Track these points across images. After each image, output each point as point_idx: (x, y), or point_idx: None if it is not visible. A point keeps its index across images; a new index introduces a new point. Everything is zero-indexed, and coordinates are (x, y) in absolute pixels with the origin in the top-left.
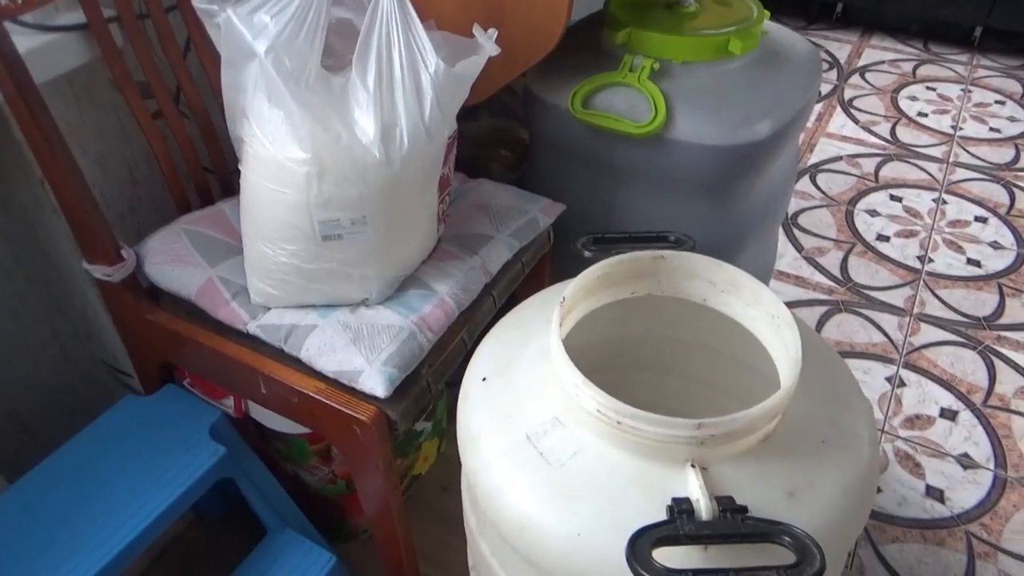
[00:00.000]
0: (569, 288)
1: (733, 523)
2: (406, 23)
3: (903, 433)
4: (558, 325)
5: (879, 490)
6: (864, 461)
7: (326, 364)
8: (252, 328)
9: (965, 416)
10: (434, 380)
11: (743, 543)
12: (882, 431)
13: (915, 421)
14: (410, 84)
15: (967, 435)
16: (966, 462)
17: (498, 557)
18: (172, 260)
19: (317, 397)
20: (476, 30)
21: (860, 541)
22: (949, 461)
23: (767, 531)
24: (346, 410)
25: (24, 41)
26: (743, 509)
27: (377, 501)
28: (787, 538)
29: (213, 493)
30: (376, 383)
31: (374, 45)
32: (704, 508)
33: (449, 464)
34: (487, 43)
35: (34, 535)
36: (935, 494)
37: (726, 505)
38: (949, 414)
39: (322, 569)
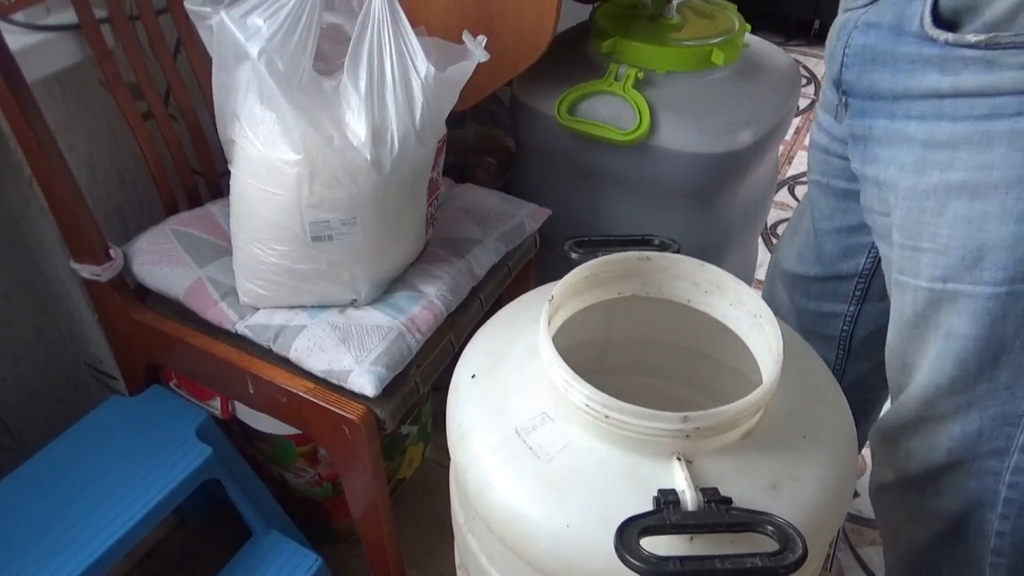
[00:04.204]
0: (557, 286)
1: (718, 513)
2: (397, 28)
3: None
4: (547, 322)
5: (856, 494)
6: (843, 456)
7: (315, 364)
8: (241, 328)
9: None
10: (422, 381)
11: (728, 532)
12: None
13: None
14: (401, 88)
15: None
16: None
17: (487, 552)
18: (161, 260)
19: (306, 396)
20: (466, 36)
21: (839, 543)
22: None
23: (751, 521)
24: (335, 409)
25: (15, 40)
26: (727, 500)
27: (364, 501)
28: (770, 527)
29: (196, 497)
30: (365, 382)
31: (365, 49)
32: (690, 499)
33: (434, 469)
34: (477, 49)
35: (16, 537)
36: None
37: (711, 496)
38: None
39: (308, 571)
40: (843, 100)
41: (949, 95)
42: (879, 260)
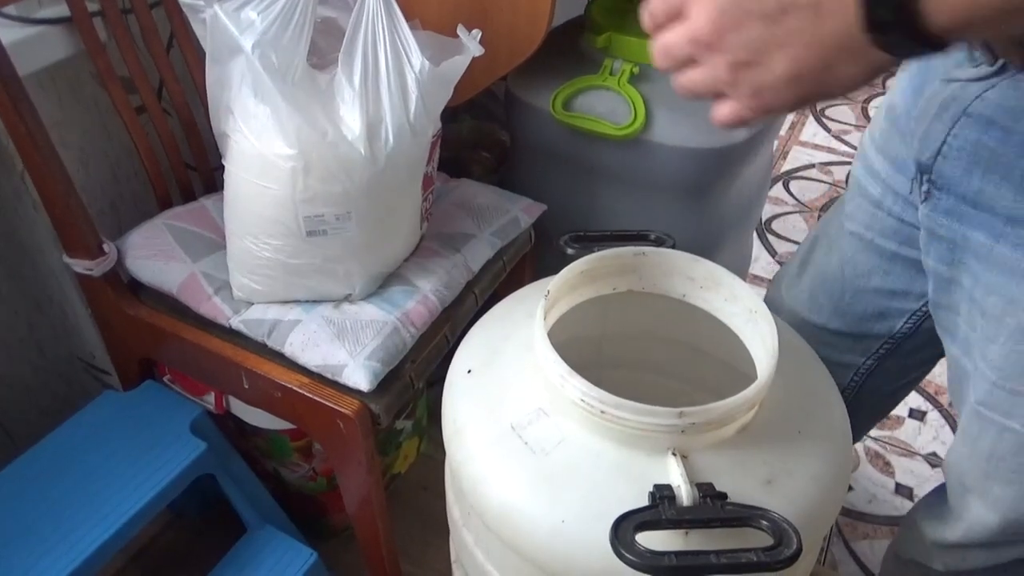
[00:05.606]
0: (554, 282)
1: (713, 508)
2: (391, 22)
3: (873, 432)
4: (543, 317)
5: (850, 488)
6: (838, 451)
7: (310, 358)
8: (235, 323)
9: (933, 416)
10: (417, 376)
11: (723, 527)
12: None
13: (885, 421)
14: (395, 82)
15: (935, 435)
16: (934, 461)
17: (482, 547)
18: (154, 255)
19: (300, 391)
20: (460, 30)
21: (832, 537)
22: (918, 460)
23: (746, 516)
24: (330, 404)
25: (6, 33)
26: (723, 495)
27: (359, 496)
28: (765, 522)
29: (192, 492)
30: (360, 377)
31: (360, 43)
32: (685, 494)
33: (429, 464)
34: (471, 43)
35: (9, 533)
36: (904, 492)
37: (706, 491)
38: (918, 414)
39: (303, 565)
40: (927, 187)
41: None
42: (919, 326)
